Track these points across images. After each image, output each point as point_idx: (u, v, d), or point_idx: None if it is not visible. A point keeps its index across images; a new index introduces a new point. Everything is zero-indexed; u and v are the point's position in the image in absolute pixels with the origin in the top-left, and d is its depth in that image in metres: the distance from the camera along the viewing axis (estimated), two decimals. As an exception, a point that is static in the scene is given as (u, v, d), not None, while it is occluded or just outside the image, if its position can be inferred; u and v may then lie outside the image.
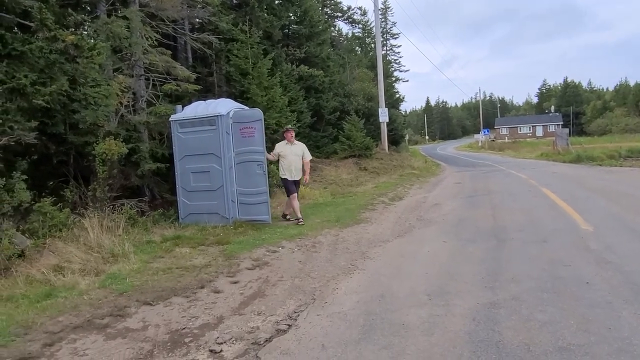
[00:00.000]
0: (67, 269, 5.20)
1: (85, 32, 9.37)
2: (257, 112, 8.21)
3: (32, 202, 6.26)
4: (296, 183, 8.53)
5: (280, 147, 8.44)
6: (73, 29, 8.33)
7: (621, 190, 11.24)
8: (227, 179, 7.90)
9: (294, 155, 8.40)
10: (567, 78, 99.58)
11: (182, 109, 8.55)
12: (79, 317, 4.03)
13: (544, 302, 3.98)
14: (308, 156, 8.60)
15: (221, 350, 3.46)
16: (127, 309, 4.24)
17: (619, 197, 10.06)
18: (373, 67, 26.23)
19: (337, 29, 31.18)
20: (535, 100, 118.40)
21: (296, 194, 8.48)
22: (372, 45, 33.55)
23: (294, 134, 8.61)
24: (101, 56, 7.26)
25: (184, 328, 3.90)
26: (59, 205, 6.64)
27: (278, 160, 8.50)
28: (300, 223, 8.11)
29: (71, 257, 5.46)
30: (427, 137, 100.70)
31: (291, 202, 8.43)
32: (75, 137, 7.70)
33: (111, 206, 7.35)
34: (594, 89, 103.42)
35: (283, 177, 8.44)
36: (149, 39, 9.47)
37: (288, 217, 8.65)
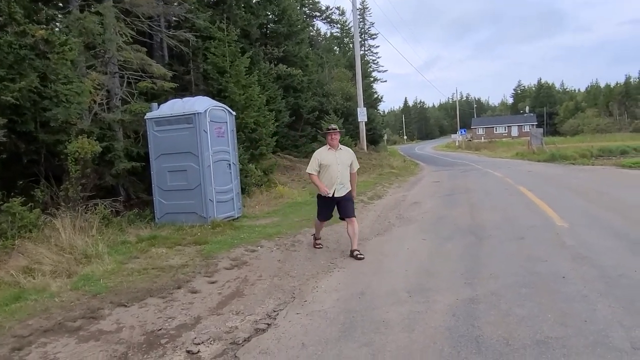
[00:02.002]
0: (38, 270, 5.01)
1: (57, 28, 9.12)
2: (225, 113, 8.25)
3: (1, 202, 6.04)
4: (340, 203, 6.10)
5: (321, 155, 6.13)
6: (44, 25, 8.09)
7: (594, 188, 11.51)
8: (205, 178, 7.77)
9: (339, 164, 6.06)
10: (540, 79, 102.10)
11: (158, 107, 8.38)
12: (50, 320, 3.88)
13: (522, 297, 4.02)
14: (356, 167, 6.35)
15: (198, 351, 3.38)
16: (100, 311, 4.11)
17: (593, 194, 10.29)
18: (351, 67, 26.32)
19: (315, 28, 31.20)
20: (510, 100, 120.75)
21: (324, 221, 6.35)
22: (351, 45, 33.67)
23: (338, 136, 6.22)
24: (73, 52, 7.05)
25: (160, 329, 3.80)
26: (29, 205, 6.42)
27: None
28: (317, 246, 6.47)
29: (42, 258, 5.27)
30: (405, 137, 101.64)
31: (317, 224, 6.46)
32: (46, 136, 7.45)
33: (84, 206, 7.14)
34: (567, 90, 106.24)
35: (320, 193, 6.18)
36: (124, 36, 9.26)
37: (319, 243, 6.55)
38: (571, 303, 3.79)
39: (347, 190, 6.13)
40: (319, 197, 6.16)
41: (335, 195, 6.01)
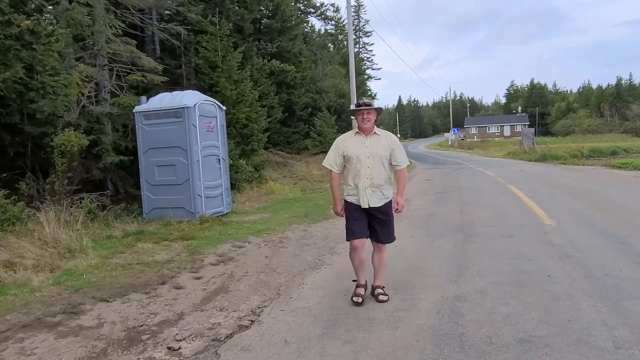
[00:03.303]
0: (19, 264, 4.93)
1: (46, 20, 8.98)
2: (215, 107, 8.20)
3: (-17, 195, 5.94)
4: (374, 218, 4.07)
5: (345, 143, 4.13)
6: (32, 15, 7.96)
7: (583, 187, 11.57)
8: (194, 172, 7.70)
9: (370, 157, 4.00)
10: (533, 79, 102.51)
11: (147, 101, 8.29)
12: (29, 315, 3.82)
13: (507, 295, 4.00)
14: (404, 160, 4.15)
15: (180, 348, 3.33)
16: (81, 306, 4.05)
17: (581, 193, 10.34)
18: (345, 64, 26.22)
19: (309, 25, 31.08)
20: (503, 100, 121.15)
21: (363, 240, 4.12)
22: (345, 42, 33.58)
23: (373, 117, 4.06)
24: (60, 43, 6.94)
25: (142, 325, 3.74)
26: (13, 198, 6.33)
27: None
28: (355, 299, 4.02)
29: (24, 252, 5.19)
30: (399, 135, 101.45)
31: (350, 253, 4.21)
32: (32, 128, 7.35)
33: (70, 200, 7.05)
34: (559, 90, 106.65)
35: (347, 198, 4.11)
36: (113, 28, 9.14)
37: (359, 294, 4.09)
38: (556, 302, 3.78)
39: (386, 200, 4.02)
40: (346, 203, 4.11)
41: (365, 205, 3.97)
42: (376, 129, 4.08)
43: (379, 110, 4.11)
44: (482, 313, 3.63)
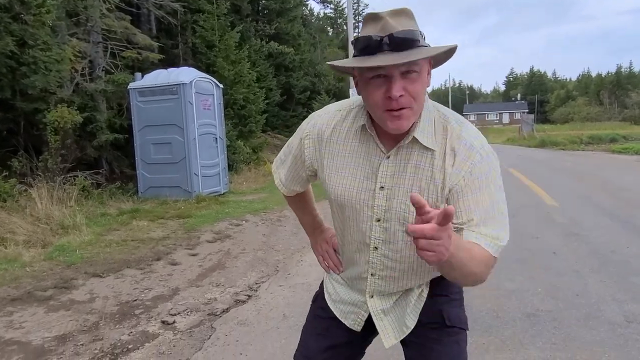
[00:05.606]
0: (10, 240, 4.80)
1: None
2: (212, 85, 8.01)
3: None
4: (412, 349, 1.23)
5: (321, 141, 1.19)
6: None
7: (584, 170, 11.46)
8: (190, 151, 7.54)
9: (386, 217, 1.11)
10: (533, 67, 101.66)
11: (142, 78, 8.09)
12: (19, 289, 3.70)
13: (512, 271, 3.90)
14: (498, 239, 1.01)
15: (174, 322, 3.21)
16: (73, 281, 3.92)
17: (582, 176, 10.23)
18: (344, 48, 25.89)
19: (308, 8, 30.59)
20: (502, 88, 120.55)
21: None
22: (344, 26, 33.15)
23: (420, 85, 1.09)
24: (51, 14, 6.72)
25: (135, 300, 3.62)
26: (4, 175, 6.18)
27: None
28: None
29: (15, 227, 5.05)
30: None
31: None
32: (24, 104, 7.16)
33: (63, 177, 6.89)
34: (558, 78, 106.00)
35: (326, 292, 1.37)
36: (107, 3, 8.89)
37: None
38: (562, 277, 3.68)
39: (424, 297, 1.24)
40: (315, 297, 1.45)
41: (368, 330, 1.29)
42: (423, 120, 1.17)
43: (438, 58, 1.15)
44: (487, 288, 3.51)
